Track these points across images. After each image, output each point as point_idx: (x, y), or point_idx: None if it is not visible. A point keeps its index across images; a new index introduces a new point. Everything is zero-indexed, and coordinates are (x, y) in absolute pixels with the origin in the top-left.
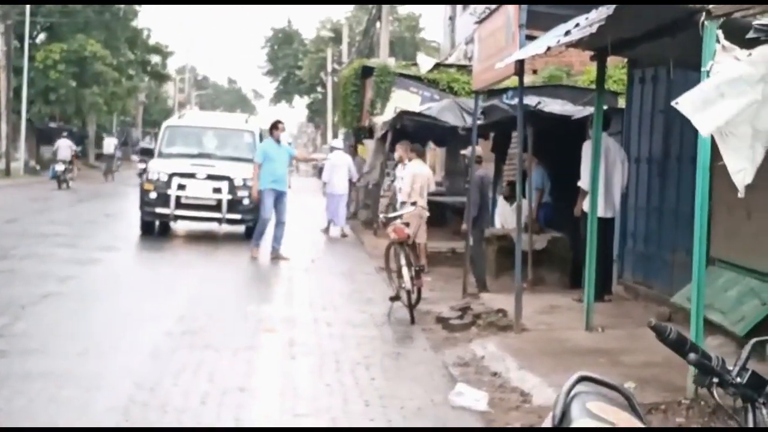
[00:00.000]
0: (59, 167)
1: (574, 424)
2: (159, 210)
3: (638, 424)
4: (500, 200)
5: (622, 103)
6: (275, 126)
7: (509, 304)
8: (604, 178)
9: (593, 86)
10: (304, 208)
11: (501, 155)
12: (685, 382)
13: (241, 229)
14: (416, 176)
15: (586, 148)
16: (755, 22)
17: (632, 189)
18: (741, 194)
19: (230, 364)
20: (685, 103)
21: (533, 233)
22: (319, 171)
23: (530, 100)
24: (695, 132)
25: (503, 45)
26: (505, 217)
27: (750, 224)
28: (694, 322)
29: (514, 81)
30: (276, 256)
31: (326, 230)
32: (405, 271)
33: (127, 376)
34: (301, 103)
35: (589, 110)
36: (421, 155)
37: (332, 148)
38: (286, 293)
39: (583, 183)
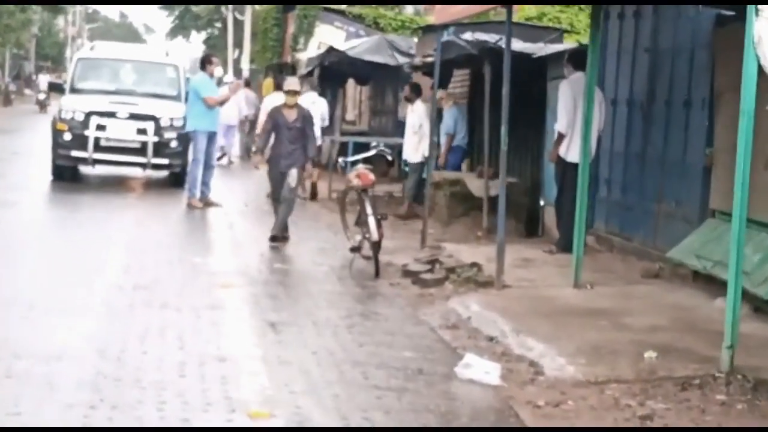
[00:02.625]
0: (41, 96)
1: None
2: (75, 153)
3: None
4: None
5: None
6: (209, 60)
7: (476, 256)
8: (580, 120)
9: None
10: None
11: None
12: (708, 350)
13: (164, 173)
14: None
15: (564, 89)
16: None
17: (608, 133)
18: None
19: (197, 327)
20: None
21: (488, 178)
22: None
23: (488, 38)
24: (690, 72)
25: None
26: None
27: (765, 174)
28: (732, 287)
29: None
30: (207, 203)
31: (220, 158)
32: (371, 220)
33: (88, 341)
34: (198, 38)
35: (553, 48)
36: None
37: (224, 82)
38: (231, 242)
39: (560, 126)
